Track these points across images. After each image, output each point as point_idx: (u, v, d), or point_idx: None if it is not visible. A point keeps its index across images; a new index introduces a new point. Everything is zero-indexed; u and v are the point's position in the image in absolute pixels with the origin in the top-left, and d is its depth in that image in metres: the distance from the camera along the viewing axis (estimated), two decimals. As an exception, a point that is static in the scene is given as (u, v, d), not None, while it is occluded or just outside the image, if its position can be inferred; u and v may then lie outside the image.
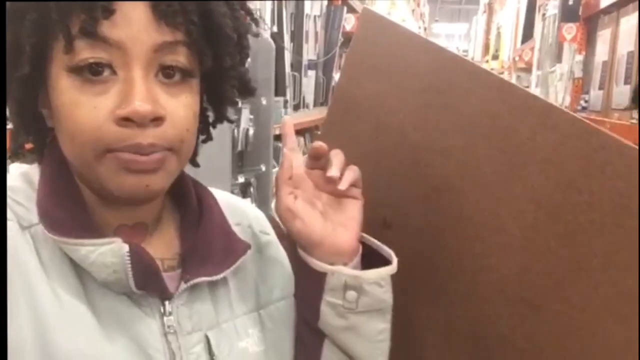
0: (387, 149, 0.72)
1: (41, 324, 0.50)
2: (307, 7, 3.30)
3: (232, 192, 2.73)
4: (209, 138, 0.64)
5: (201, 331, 0.57)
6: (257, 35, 0.60)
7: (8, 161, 0.61)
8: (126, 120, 0.50)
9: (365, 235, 0.64)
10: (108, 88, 0.51)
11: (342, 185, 0.60)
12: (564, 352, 0.56)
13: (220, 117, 0.63)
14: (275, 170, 2.99)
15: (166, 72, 0.52)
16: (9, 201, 0.54)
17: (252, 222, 0.68)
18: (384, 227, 0.74)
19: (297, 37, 3.17)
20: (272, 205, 0.64)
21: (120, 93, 0.50)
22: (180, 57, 0.52)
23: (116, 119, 0.50)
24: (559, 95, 2.50)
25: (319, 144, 0.62)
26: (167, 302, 0.56)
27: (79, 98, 0.50)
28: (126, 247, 0.52)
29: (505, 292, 0.61)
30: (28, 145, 0.59)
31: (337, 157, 0.62)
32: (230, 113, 0.63)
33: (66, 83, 0.51)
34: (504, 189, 0.60)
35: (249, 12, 0.60)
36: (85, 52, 0.50)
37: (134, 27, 0.50)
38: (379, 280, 0.60)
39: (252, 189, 2.68)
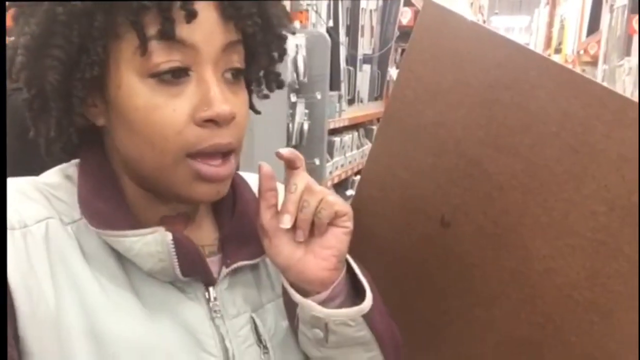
0: (448, 145, 0.70)
1: (88, 312, 0.51)
2: (363, 1, 3.28)
3: (286, 186, 2.73)
4: None
5: (247, 313, 0.58)
6: (293, 32, 0.61)
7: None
8: (208, 122, 0.51)
9: (352, 263, 0.59)
10: (183, 89, 0.51)
11: (298, 238, 0.55)
12: (638, 363, 0.53)
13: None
14: (329, 164, 2.98)
15: (230, 72, 0.53)
16: (50, 198, 0.55)
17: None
18: (441, 225, 0.72)
19: (353, 31, 3.15)
20: None
21: (197, 94, 0.51)
22: (238, 57, 0.53)
23: (197, 121, 0.51)
24: (627, 90, 2.38)
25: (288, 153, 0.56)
26: (211, 288, 0.56)
27: (156, 101, 0.50)
28: (170, 235, 0.53)
29: (572, 297, 0.58)
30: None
31: (292, 203, 0.55)
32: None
33: (140, 86, 0.50)
34: (575, 188, 0.57)
35: (284, 11, 0.60)
36: (161, 55, 0.50)
37: (206, 28, 0.50)
38: (346, 321, 0.55)
39: (305, 183, 2.66)
